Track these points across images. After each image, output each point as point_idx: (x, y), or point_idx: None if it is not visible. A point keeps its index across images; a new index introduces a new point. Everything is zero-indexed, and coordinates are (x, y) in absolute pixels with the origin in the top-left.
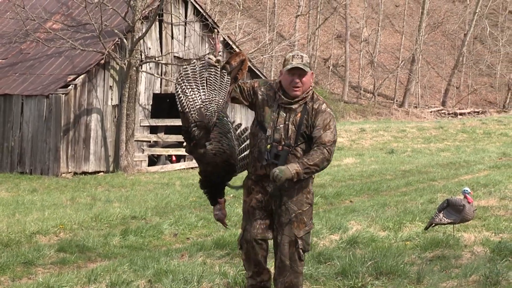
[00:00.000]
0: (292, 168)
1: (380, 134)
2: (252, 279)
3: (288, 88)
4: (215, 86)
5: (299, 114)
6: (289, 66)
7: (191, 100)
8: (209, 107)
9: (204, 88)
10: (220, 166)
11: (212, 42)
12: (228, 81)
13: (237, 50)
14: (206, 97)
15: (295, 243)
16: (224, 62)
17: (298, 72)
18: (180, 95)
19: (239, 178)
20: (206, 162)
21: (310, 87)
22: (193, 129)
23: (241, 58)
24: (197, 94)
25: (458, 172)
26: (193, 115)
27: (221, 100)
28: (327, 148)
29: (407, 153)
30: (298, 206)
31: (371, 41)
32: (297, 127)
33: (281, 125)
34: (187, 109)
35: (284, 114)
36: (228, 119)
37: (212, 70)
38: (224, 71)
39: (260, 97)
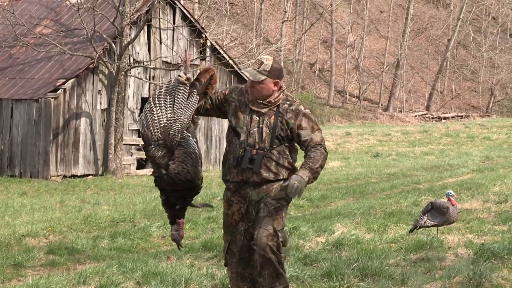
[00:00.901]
0: (305, 175)
1: (365, 138)
2: None
3: (248, 88)
4: (181, 105)
5: (273, 117)
6: (244, 69)
7: (155, 118)
8: (173, 126)
9: (171, 107)
10: (183, 187)
11: (182, 59)
12: (196, 100)
13: (224, 54)
14: (171, 116)
15: (274, 236)
16: (193, 79)
17: (251, 79)
18: (147, 113)
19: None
20: (168, 183)
21: (280, 91)
22: (154, 148)
23: (210, 74)
24: (163, 112)
25: (442, 175)
26: (156, 133)
27: (186, 120)
28: (323, 147)
29: (392, 157)
30: (276, 200)
31: (357, 46)
32: (272, 129)
33: (254, 129)
34: (151, 127)
35: (257, 118)
36: (194, 139)
37: (181, 88)
38: (194, 89)
39: (232, 103)
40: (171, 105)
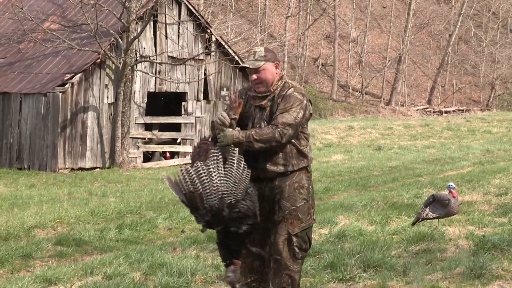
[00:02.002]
0: (236, 136)
1: (368, 131)
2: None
3: (253, 86)
4: (237, 178)
5: (268, 109)
6: (241, 65)
7: (214, 185)
8: (227, 199)
9: (226, 175)
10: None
11: (228, 98)
12: (248, 174)
13: (229, 50)
14: (226, 186)
15: (290, 241)
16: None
17: (252, 70)
18: (202, 174)
19: None
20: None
21: (280, 78)
22: (204, 212)
23: (240, 107)
24: (222, 182)
25: (443, 168)
26: (212, 200)
27: (239, 195)
28: (279, 129)
29: (394, 150)
30: (291, 202)
31: (359, 41)
32: (268, 122)
33: (258, 125)
34: (207, 191)
35: (259, 113)
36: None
37: (233, 160)
38: (244, 164)
39: (246, 100)
40: (226, 173)
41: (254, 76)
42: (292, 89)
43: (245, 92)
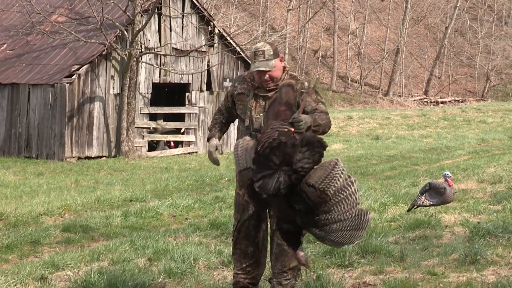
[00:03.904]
0: (310, 120)
1: (366, 121)
2: (240, 275)
3: (262, 84)
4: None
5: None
6: (252, 68)
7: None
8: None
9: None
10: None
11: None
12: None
13: (231, 42)
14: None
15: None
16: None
17: (263, 72)
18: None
19: None
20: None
21: (284, 71)
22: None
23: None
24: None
25: (440, 157)
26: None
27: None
28: (328, 116)
29: (391, 139)
30: None
31: (358, 33)
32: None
33: (260, 114)
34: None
35: (263, 102)
36: None
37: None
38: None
39: (236, 93)
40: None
41: (267, 76)
42: (306, 83)
43: (241, 79)
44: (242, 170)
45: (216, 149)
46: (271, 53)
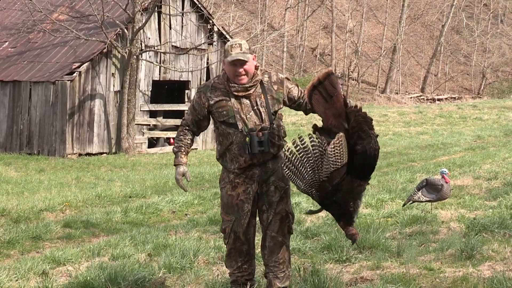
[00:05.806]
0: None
1: None
2: (236, 273)
3: (234, 78)
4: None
5: (262, 95)
6: (229, 59)
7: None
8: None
9: None
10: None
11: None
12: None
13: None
14: None
15: (286, 218)
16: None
17: (240, 62)
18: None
19: None
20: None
21: (256, 69)
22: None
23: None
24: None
25: (436, 153)
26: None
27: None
28: None
29: (388, 136)
30: (285, 182)
31: (356, 32)
32: (266, 107)
33: (250, 113)
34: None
35: (248, 102)
36: None
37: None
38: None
39: (212, 103)
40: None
41: (240, 69)
42: (280, 74)
43: (210, 87)
44: (343, 166)
45: (183, 175)
46: (247, 47)
